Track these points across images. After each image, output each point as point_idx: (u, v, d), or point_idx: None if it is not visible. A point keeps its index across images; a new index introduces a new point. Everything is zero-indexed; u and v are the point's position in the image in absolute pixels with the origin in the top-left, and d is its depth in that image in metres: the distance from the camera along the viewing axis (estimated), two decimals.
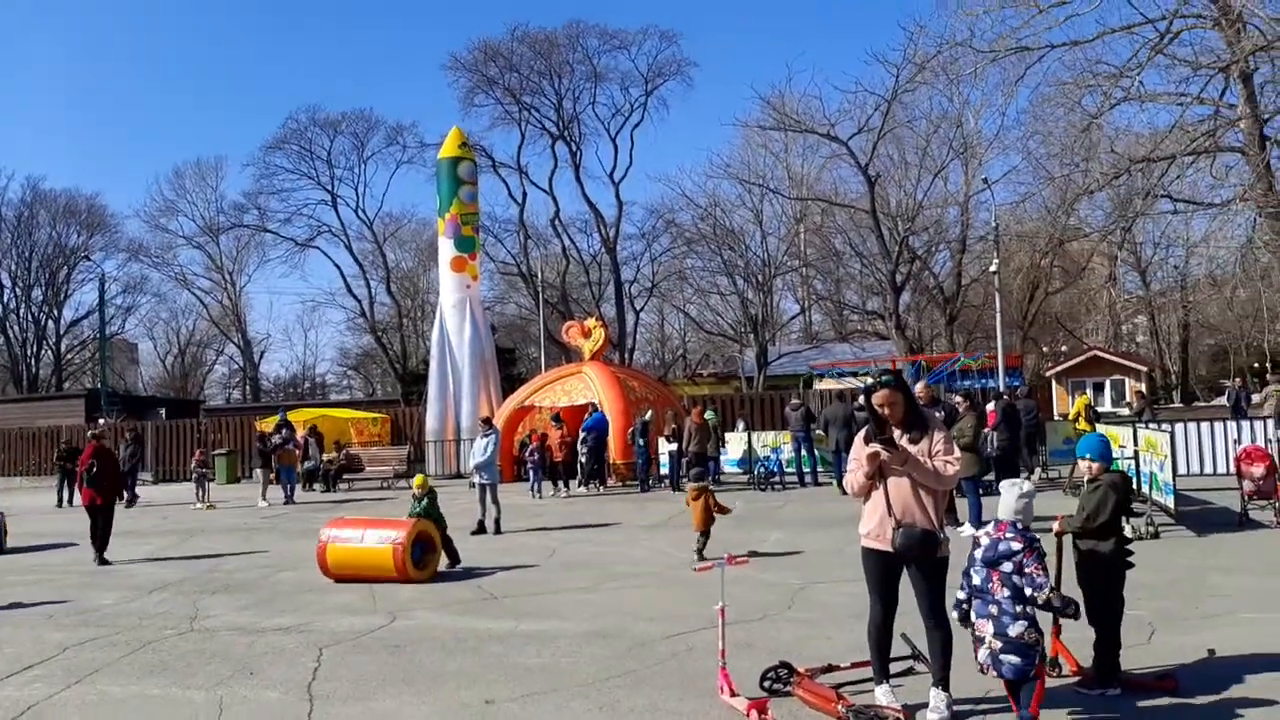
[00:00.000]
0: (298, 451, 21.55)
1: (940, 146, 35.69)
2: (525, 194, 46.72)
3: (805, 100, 39.83)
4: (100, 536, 11.86)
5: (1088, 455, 5.53)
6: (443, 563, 10.07)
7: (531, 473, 18.97)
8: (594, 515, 15.06)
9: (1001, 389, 23.21)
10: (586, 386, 22.29)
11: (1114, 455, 5.70)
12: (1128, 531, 10.20)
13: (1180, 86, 20.86)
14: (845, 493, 5.33)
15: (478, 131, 44.72)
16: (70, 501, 20.87)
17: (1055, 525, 5.49)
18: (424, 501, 10.57)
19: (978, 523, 10.64)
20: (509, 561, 10.63)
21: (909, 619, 5.10)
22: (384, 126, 49.15)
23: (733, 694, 5.15)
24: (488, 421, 15.20)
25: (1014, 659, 4.44)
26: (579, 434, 19.80)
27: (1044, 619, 4.68)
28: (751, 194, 43.32)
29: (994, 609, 4.52)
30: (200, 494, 19.76)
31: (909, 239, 35.32)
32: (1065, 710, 4.93)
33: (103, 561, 11.72)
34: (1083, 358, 33.37)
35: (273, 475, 20.04)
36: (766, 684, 5.31)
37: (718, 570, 5.55)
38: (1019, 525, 4.65)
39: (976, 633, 4.60)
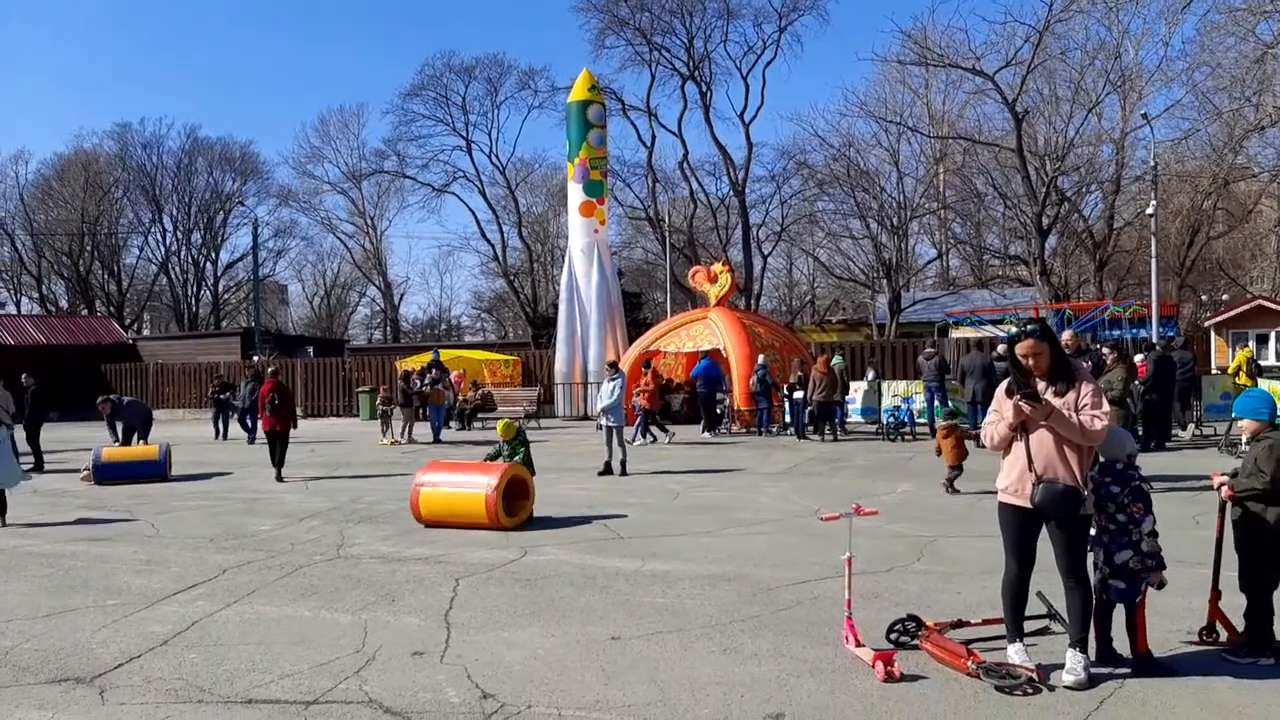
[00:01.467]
0: (447, 392, 22.12)
1: (1095, 80, 33.40)
2: (654, 137, 46.38)
3: (949, 33, 38.13)
4: (279, 458, 13.76)
5: (1246, 416, 5.17)
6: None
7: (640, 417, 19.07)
8: (717, 461, 15.11)
9: (1154, 339, 21.92)
10: (712, 332, 22.23)
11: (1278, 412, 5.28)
12: None
13: None
14: (981, 445, 5.15)
15: (608, 74, 44.56)
16: (226, 435, 22.24)
17: (1222, 488, 5.13)
18: (511, 447, 10.37)
19: None
20: (634, 502, 10.81)
21: (1044, 577, 4.92)
22: (516, 71, 49.50)
23: (858, 644, 5.10)
24: (614, 365, 15.38)
25: (1119, 584, 4.80)
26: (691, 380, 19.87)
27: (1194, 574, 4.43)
28: (888, 132, 41.64)
29: (1105, 538, 4.83)
30: (386, 430, 20.14)
31: (1058, 179, 33.39)
32: (1209, 675, 4.70)
33: (279, 478, 13.58)
34: (1246, 307, 30.95)
35: (417, 414, 20.58)
36: (893, 636, 5.24)
37: (844, 520, 5.48)
38: (1118, 466, 4.89)
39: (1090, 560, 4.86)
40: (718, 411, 20.46)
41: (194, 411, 32.61)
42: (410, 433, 20.29)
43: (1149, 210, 26.35)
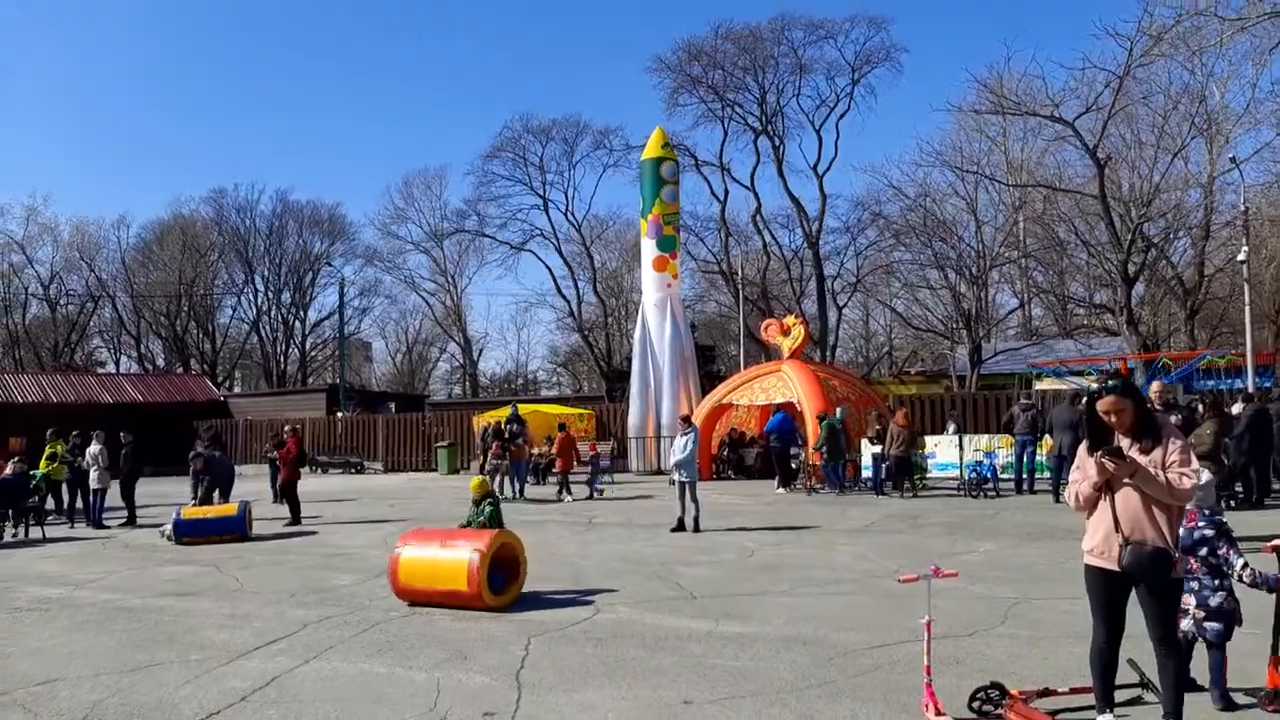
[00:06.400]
0: (529, 447, 21.61)
1: (1180, 123, 32.53)
2: (727, 191, 46.78)
3: (1026, 80, 37.31)
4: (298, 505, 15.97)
5: None
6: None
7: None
8: (792, 517, 14.88)
9: (1250, 390, 20.97)
10: (785, 385, 22.05)
11: None
12: None
13: None
14: (1066, 503, 4.98)
15: (681, 131, 45.18)
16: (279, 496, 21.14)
17: (1275, 542, 5.05)
18: (485, 509, 9.94)
19: None
20: (707, 560, 10.69)
21: (1137, 643, 4.70)
22: (592, 131, 50.68)
23: (939, 713, 4.92)
24: (687, 420, 15.33)
25: (1216, 625, 5.00)
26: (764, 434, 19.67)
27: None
28: (965, 182, 41.26)
29: (1195, 584, 5.05)
30: (496, 485, 19.60)
31: (1143, 225, 32.48)
32: None
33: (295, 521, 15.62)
34: None
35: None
36: (976, 705, 5.04)
37: (923, 582, 5.33)
38: (1206, 511, 5.14)
39: (1180, 605, 4.85)
40: (793, 466, 20.18)
41: None
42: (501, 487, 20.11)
43: (1241, 256, 25.44)
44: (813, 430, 20.28)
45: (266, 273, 62.70)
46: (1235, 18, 18.89)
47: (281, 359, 62.87)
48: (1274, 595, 5.02)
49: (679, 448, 13.90)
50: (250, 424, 36.78)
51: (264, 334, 62.64)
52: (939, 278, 42.62)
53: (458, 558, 8.16)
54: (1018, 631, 6.93)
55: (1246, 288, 25.83)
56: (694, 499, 13.34)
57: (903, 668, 6.00)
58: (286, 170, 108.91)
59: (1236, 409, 15.34)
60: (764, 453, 23.05)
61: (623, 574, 9.86)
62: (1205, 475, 5.04)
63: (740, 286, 42.44)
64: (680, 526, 13.29)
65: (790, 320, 24.19)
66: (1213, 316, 37.13)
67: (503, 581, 8.41)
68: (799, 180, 47.03)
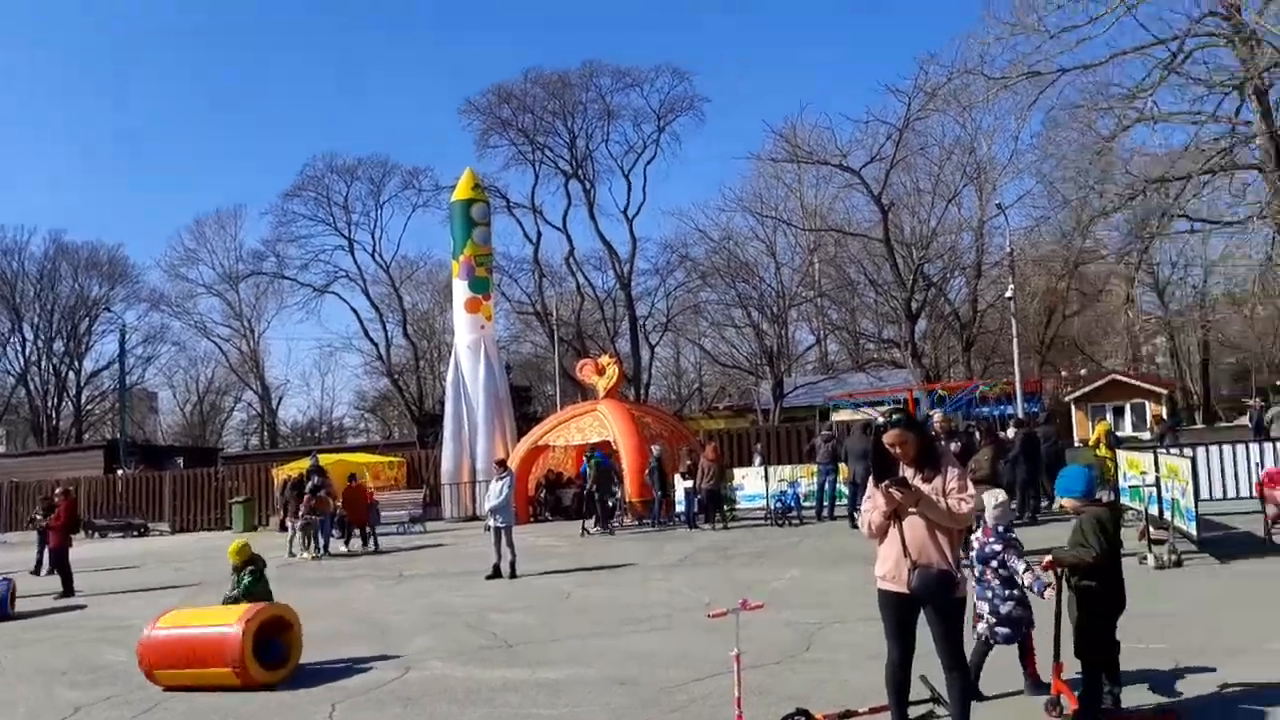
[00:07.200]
0: (332, 500, 19.64)
1: (953, 173, 35.73)
2: (540, 233, 47.02)
3: (817, 131, 40.00)
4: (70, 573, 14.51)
5: (1063, 495, 5.57)
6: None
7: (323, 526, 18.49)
8: (609, 556, 14.92)
9: (1020, 415, 22.97)
10: (601, 424, 22.21)
11: (1098, 483, 5.83)
12: (1150, 562, 10.03)
13: (1195, 105, 20.62)
14: (861, 530, 5.23)
15: (492, 172, 45.06)
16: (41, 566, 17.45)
17: (1047, 559, 5.41)
18: (243, 579, 9.00)
19: None
20: (523, 606, 10.54)
21: (929, 660, 4.99)
22: (400, 171, 49.55)
23: None
24: (502, 464, 15.14)
25: (1005, 630, 5.69)
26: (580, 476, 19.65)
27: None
28: (765, 226, 43.46)
29: (989, 593, 5.73)
30: (306, 542, 18.22)
31: (923, 266, 35.23)
32: None
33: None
34: (1102, 382, 33.08)
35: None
36: None
37: (733, 616, 5.44)
38: (1000, 529, 5.80)
39: (976, 610, 5.74)
40: (610, 505, 20.27)
41: None
42: (294, 545, 18.88)
43: (1008, 293, 27.96)
44: (630, 469, 20.45)
45: (36, 319, 57.27)
46: (999, 77, 20.92)
47: (53, 414, 57.31)
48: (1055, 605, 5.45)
49: (494, 493, 13.69)
50: (16, 486, 33.24)
51: (33, 387, 56.98)
52: (743, 316, 44.45)
53: (219, 658, 7.26)
54: (821, 656, 7.21)
55: (1014, 322, 28.42)
56: (510, 544, 13.13)
57: (715, 700, 6.10)
58: (61, 210, 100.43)
59: (1010, 433, 16.73)
60: (580, 492, 23.05)
61: (435, 627, 9.56)
62: (1001, 496, 6.02)
63: (555, 327, 42.59)
64: (496, 573, 13.04)
65: (605, 360, 24.45)
66: (986, 348, 40.55)
67: (280, 649, 7.69)
68: (610, 223, 47.84)
